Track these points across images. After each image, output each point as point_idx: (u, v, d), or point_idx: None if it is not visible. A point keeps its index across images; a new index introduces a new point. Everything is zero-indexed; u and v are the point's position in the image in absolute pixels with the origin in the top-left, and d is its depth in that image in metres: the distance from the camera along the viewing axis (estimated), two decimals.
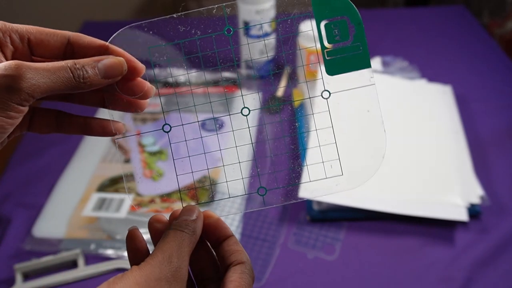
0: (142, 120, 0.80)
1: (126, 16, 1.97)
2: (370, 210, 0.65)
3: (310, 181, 0.34)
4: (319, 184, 0.35)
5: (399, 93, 0.83)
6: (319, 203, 0.67)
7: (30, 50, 0.31)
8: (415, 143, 0.74)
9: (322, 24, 0.31)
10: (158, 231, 0.33)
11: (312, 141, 0.34)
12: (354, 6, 0.31)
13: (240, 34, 0.90)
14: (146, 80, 0.34)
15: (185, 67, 0.36)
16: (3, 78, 0.26)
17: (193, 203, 0.34)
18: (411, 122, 0.77)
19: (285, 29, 0.33)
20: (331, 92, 0.33)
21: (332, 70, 0.31)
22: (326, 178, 0.34)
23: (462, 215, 0.64)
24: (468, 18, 1.11)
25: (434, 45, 1.03)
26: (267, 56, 0.90)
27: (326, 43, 0.32)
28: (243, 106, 0.33)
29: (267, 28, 0.86)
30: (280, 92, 0.86)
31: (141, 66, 0.33)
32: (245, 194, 0.34)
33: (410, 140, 0.74)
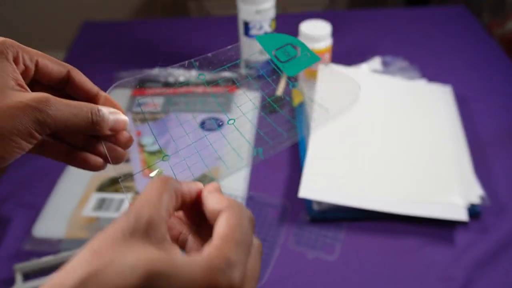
0: (142, 120, 0.80)
1: (126, 16, 1.97)
2: (370, 210, 0.65)
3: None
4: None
5: (399, 93, 0.83)
6: (319, 203, 0.67)
7: (34, 72, 0.33)
8: (415, 143, 0.74)
9: (273, 52, 0.39)
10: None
11: None
12: (291, 36, 0.40)
13: (240, 35, 0.90)
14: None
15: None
16: (33, 111, 0.28)
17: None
18: (411, 122, 0.77)
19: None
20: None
21: (291, 71, 0.37)
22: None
23: (462, 215, 0.64)
24: (468, 18, 1.11)
25: (434, 45, 1.03)
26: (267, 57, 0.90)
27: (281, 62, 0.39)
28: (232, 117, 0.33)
29: (267, 28, 0.86)
30: (279, 92, 0.86)
31: (126, 119, 0.35)
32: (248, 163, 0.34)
33: (410, 140, 0.74)
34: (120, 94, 0.87)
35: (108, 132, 0.33)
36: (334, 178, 0.69)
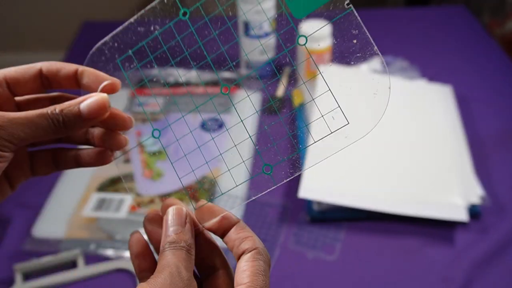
0: (142, 120, 0.80)
1: (126, 16, 1.97)
2: (370, 210, 0.65)
3: (315, 142, 0.31)
4: (327, 142, 0.31)
5: (399, 93, 0.83)
6: (319, 203, 0.67)
7: (10, 91, 0.31)
8: (415, 143, 0.74)
9: None
10: (154, 231, 0.32)
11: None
12: None
13: (240, 33, 0.90)
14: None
15: (156, 66, 0.36)
16: None
17: (194, 203, 0.34)
18: (411, 122, 0.77)
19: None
20: (307, 36, 0.31)
21: (300, 12, 0.30)
22: (332, 132, 0.31)
23: (462, 215, 0.64)
24: (468, 18, 1.11)
25: (434, 45, 1.03)
26: (267, 56, 0.90)
27: None
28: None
29: (267, 28, 0.86)
30: (280, 92, 0.86)
31: (116, 81, 0.32)
32: (251, 178, 0.33)
33: (410, 140, 0.74)
34: (120, 94, 0.87)
35: (92, 121, 0.29)
36: (334, 178, 0.69)
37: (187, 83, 0.84)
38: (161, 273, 0.28)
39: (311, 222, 0.67)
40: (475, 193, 0.67)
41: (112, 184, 0.74)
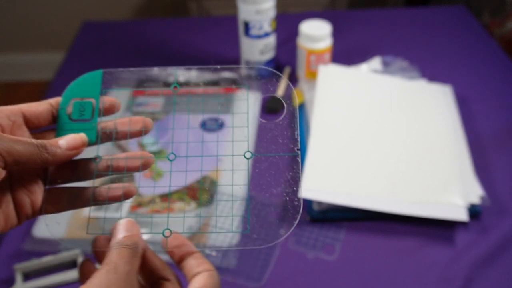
0: None
1: (126, 16, 1.97)
2: (370, 210, 0.65)
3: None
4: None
5: (399, 93, 0.83)
6: (319, 203, 0.67)
7: (26, 124, 0.35)
8: (415, 143, 0.74)
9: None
10: (101, 252, 0.35)
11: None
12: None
13: (240, 35, 0.90)
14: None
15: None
16: None
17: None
18: (411, 122, 0.77)
19: None
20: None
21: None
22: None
23: (462, 215, 0.64)
24: (468, 18, 1.11)
25: (434, 45, 1.03)
26: (267, 56, 0.90)
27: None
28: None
29: (267, 28, 0.86)
30: (280, 92, 0.86)
31: (116, 102, 0.37)
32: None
33: (410, 140, 0.74)
34: (120, 94, 0.87)
35: (72, 152, 0.34)
36: (334, 178, 0.69)
37: (187, 83, 0.84)
38: (98, 272, 0.29)
39: (311, 222, 0.67)
40: (475, 193, 0.67)
41: None
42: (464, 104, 0.85)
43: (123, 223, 0.34)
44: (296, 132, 0.35)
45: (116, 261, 0.30)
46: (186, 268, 0.34)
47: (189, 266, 0.34)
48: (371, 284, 0.61)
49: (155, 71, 0.93)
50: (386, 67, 0.92)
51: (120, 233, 0.33)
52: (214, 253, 0.63)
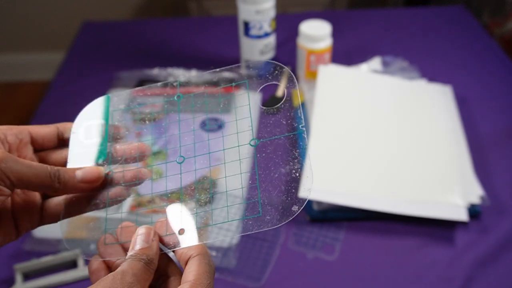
0: (142, 120, 0.80)
1: (126, 16, 1.97)
2: (370, 210, 0.65)
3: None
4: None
5: (399, 93, 0.83)
6: (319, 203, 0.67)
7: (32, 144, 0.36)
8: (415, 143, 0.74)
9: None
10: (106, 251, 0.35)
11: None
12: None
13: (240, 35, 0.90)
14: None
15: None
16: None
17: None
18: (411, 122, 0.77)
19: None
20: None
21: None
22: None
23: (462, 215, 0.64)
24: (468, 18, 1.11)
25: (434, 45, 1.03)
26: (267, 56, 0.90)
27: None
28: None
29: (267, 28, 0.86)
30: (280, 92, 0.86)
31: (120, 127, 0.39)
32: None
33: (410, 140, 0.74)
34: (121, 94, 0.87)
35: (85, 186, 0.34)
36: (334, 178, 0.69)
37: (187, 83, 0.84)
38: (106, 277, 0.29)
39: (311, 222, 0.67)
40: (475, 193, 0.67)
41: None
42: (464, 104, 0.85)
43: (142, 234, 0.34)
44: (299, 111, 0.35)
45: (125, 271, 0.30)
46: (178, 253, 0.34)
47: (180, 251, 0.34)
48: (371, 284, 0.61)
49: (155, 71, 0.93)
50: (386, 67, 0.92)
51: (138, 245, 0.33)
52: (214, 253, 0.63)
